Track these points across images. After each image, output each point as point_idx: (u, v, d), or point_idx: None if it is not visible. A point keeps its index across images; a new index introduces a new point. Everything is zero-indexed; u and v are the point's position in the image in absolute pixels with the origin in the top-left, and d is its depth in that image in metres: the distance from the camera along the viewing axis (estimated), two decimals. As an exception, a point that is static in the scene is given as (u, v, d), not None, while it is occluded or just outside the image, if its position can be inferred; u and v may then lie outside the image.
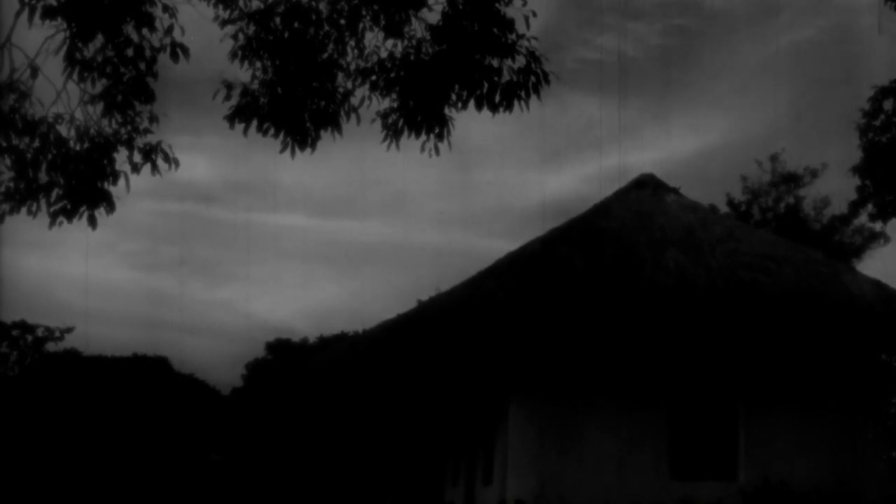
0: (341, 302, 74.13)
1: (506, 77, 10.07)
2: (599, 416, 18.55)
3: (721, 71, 75.96)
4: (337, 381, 22.17)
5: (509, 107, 10.11)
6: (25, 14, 9.38)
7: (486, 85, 10.04)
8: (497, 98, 10.07)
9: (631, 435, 18.49)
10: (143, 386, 42.30)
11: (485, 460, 20.83)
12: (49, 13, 9.47)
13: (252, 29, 10.18)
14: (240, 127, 10.22)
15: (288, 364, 41.87)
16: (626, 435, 18.48)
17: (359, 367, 20.55)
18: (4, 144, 9.59)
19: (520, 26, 10.04)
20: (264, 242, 78.14)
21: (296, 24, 10.10)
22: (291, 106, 10.15)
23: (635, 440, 18.49)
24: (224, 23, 10.21)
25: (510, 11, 10.03)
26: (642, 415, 18.53)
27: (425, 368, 20.97)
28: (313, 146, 10.31)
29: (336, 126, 10.33)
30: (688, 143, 72.91)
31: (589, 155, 77.60)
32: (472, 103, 10.10)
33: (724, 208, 36.91)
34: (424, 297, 27.34)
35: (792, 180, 38.51)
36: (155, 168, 10.05)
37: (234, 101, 10.20)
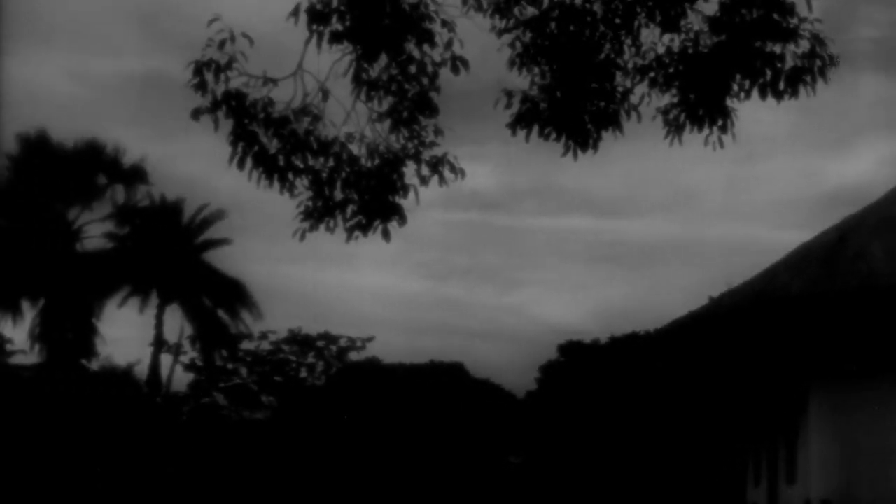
0: (630, 302, 73.76)
1: (789, 63, 9.79)
2: (909, 410, 17.67)
3: None
4: (629, 381, 22.08)
5: (794, 93, 9.84)
6: (314, 41, 9.85)
7: (768, 73, 9.80)
8: (781, 85, 9.82)
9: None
10: (441, 391, 43.45)
11: (787, 458, 20.22)
12: (336, 38, 9.89)
13: (528, 36, 10.29)
14: (521, 133, 10.35)
15: (581, 366, 42.00)
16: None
17: (651, 367, 20.39)
18: (301, 166, 10.07)
19: (801, 9, 9.75)
20: (550, 246, 78.77)
21: (571, 28, 10.15)
22: (571, 109, 10.20)
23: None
24: (501, 32, 10.37)
25: (790, -5, 9.75)
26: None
27: (720, 365, 20.58)
28: (595, 147, 10.33)
29: (617, 125, 10.31)
30: None
31: (881, 137, 74.01)
32: (755, 92, 9.89)
33: None
34: (715, 293, 26.77)
35: None
36: (442, 179, 10.30)
37: (514, 108, 10.34)
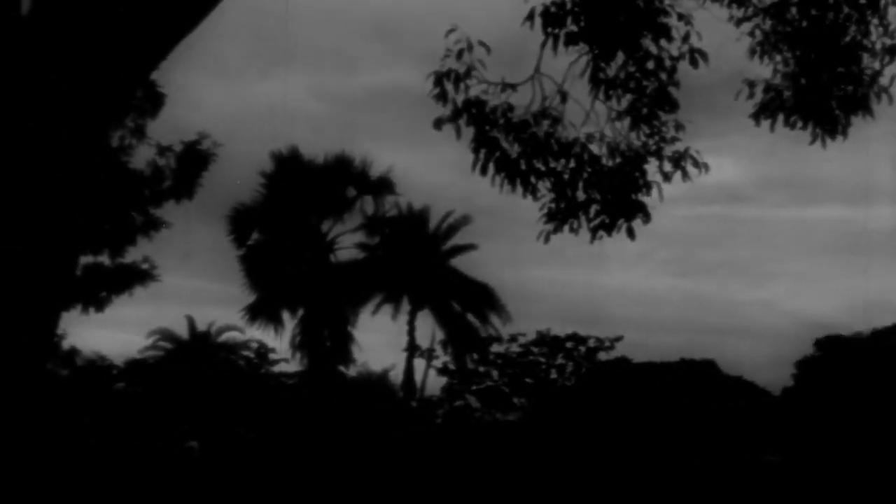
0: (888, 292, 70.47)
1: None
2: None
3: None
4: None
5: None
6: (550, 44, 9.93)
7: None
8: None
9: None
10: (693, 389, 42.77)
11: None
12: (571, 39, 9.95)
13: (768, 23, 10.09)
14: (765, 123, 10.16)
15: (841, 360, 40.53)
16: None
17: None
18: (543, 168, 10.16)
19: None
20: (801, 237, 76.22)
21: (813, 12, 9.89)
22: (817, 95, 9.94)
23: None
24: (739, 21, 10.21)
25: None
26: None
27: None
28: (844, 133, 10.03)
29: (867, 109, 9.99)
30: None
31: None
32: None
33: None
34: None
35: None
36: (685, 174, 10.20)
37: (757, 98, 10.17)
